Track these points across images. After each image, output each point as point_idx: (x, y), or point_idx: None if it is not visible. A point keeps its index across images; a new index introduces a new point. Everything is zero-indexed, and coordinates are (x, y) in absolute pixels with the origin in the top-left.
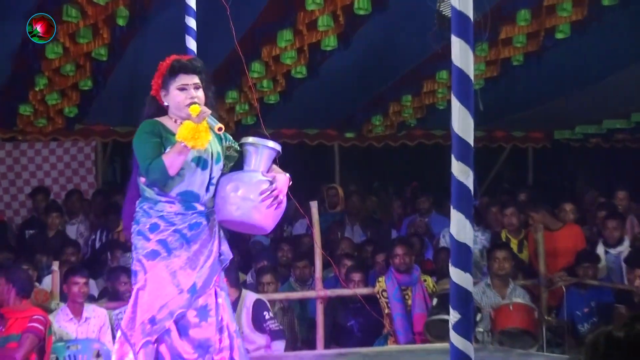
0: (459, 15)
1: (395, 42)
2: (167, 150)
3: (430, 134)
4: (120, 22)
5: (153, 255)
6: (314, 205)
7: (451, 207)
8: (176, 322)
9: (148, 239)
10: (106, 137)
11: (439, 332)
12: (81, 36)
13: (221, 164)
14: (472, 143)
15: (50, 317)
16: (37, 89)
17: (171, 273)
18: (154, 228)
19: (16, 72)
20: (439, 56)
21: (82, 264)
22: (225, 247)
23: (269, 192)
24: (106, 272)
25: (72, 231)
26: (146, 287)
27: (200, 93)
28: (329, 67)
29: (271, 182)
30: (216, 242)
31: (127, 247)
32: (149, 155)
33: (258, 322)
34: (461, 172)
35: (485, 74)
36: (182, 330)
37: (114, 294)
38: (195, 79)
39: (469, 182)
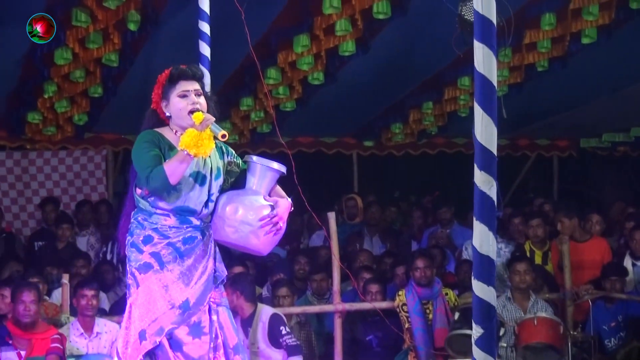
0: (481, 20)
1: (415, 47)
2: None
3: (452, 142)
4: (132, 26)
5: (145, 268)
6: (331, 216)
7: (474, 219)
8: (169, 338)
9: (141, 251)
10: (117, 145)
11: (460, 347)
12: (91, 41)
13: (221, 179)
14: (495, 152)
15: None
16: (45, 96)
17: (163, 287)
18: (147, 240)
19: (24, 78)
20: (461, 62)
21: (93, 276)
22: (221, 265)
23: (268, 219)
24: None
25: (82, 243)
26: (138, 301)
27: (202, 100)
28: (347, 73)
29: (272, 208)
30: (211, 259)
31: None
32: (149, 164)
33: (274, 337)
34: (484, 182)
35: (508, 80)
36: (176, 347)
37: (120, 305)
38: (196, 85)
39: (492, 192)
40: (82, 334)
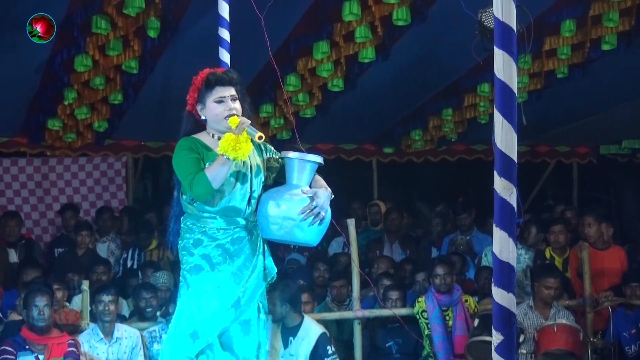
0: (502, 26)
1: (435, 53)
2: (208, 165)
3: (472, 149)
4: (152, 33)
5: (197, 269)
6: (351, 223)
7: (494, 225)
8: (219, 336)
9: (192, 254)
10: (137, 152)
11: (480, 354)
12: (111, 48)
13: (262, 176)
14: (515, 159)
15: (80, 338)
16: (66, 103)
17: (215, 288)
18: (197, 243)
19: (44, 85)
20: (481, 68)
21: (113, 283)
22: (270, 261)
23: (309, 211)
24: (132, 290)
25: (102, 249)
26: (189, 302)
27: (237, 104)
28: (366, 79)
29: (312, 199)
30: (260, 256)
31: (158, 266)
32: (190, 171)
33: (318, 356)
34: (504, 189)
35: (528, 86)
36: (226, 344)
37: (138, 312)
38: (232, 91)
39: (512, 199)
40: (101, 339)
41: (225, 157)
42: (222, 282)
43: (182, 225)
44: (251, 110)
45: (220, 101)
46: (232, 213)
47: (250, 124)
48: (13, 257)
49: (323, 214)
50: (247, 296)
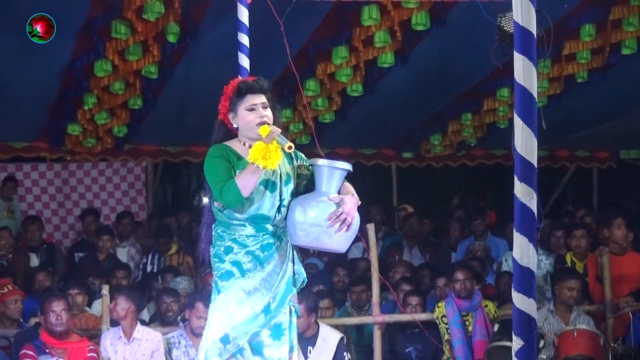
0: (521, 31)
1: (454, 58)
2: (238, 172)
3: (491, 153)
4: (171, 38)
5: (227, 276)
6: (370, 228)
7: (514, 231)
8: (249, 341)
9: (223, 261)
10: (156, 157)
11: (500, 359)
12: (131, 53)
13: (292, 184)
14: (535, 164)
15: (104, 335)
16: (85, 107)
17: (246, 293)
18: (227, 251)
19: (64, 90)
20: (500, 73)
21: (133, 287)
22: (299, 267)
23: (335, 217)
24: (154, 295)
25: (122, 254)
26: (220, 307)
27: (268, 112)
28: (385, 84)
29: (338, 205)
30: (290, 262)
31: (178, 271)
32: (221, 178)
33: None
34: (524, 194)
35: (548, 91)
36: (256, 349)
37: (159, 316)
38: (263, 99)
39: (533, 204)
40: (120, 337)
41: (255, 165)
42: (253, 287)
43: (213, 233)
44: (281, 122)
45: (251, 109)
46: (261, 220)
47: (280, 133)
48: (34, 261)
49: (349, 220)
50: (277, 301)
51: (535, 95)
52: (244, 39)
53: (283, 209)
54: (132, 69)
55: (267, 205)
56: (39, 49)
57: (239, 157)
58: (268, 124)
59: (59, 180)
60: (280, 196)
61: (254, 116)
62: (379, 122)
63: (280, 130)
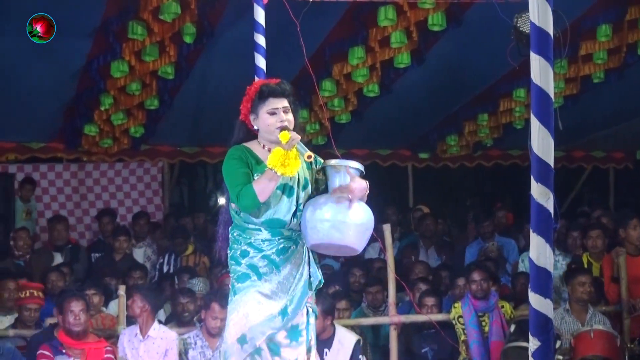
0: (538, 31)
1: (470, 58)
2: (256, 177)
3: (507, 154)
4: (187, 39)
5: (244, 278)
6: (387, 228)
7: (530, 231)
8: (267, 342)
9: (239, 264)
10: (173, 157)
11: (516, 359)
12: (147, 54)
13: (309, 189)
14: (552, 164)
15: (123, 332)
16: (102, 108)
17: (262, 295)
18: (244, 254)
19: (81, 91)
20: (517, 73)
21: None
22: (315, 269)
23: (340, 192)
24: (170, 296)
25: (139, 254)
26: (237, 308)
27: (290, 116)
28: (402, 85)
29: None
30: (306, 265)
31: (194, 272)
32: (239, 182)
33: None
34: (541, 195)
35: (564, 91)
36: (274, 350)
37: (175, 317)
38: (285, 103)
39: (549, 204)
40: (136, 334)
41: (273, 171)
42: (269, 290)
43: (230, 236)
44: (301, 126)
45: (272, 113)
46: (277, 225)
47: (300, 140)
48: (58, 261)
49: (350, 197)
50: (294, 304)
51: (552, 95)
52: (260, 40)
53: (299, 214)
54: (149, 70)
55: (283, 209)
56: (55, 50)
57: (258, 161)
58: (288, 129)
59: (76, 180)
60: (297, 201)
61: (274, 120)
62: (395, 123)
63: (299, 137)
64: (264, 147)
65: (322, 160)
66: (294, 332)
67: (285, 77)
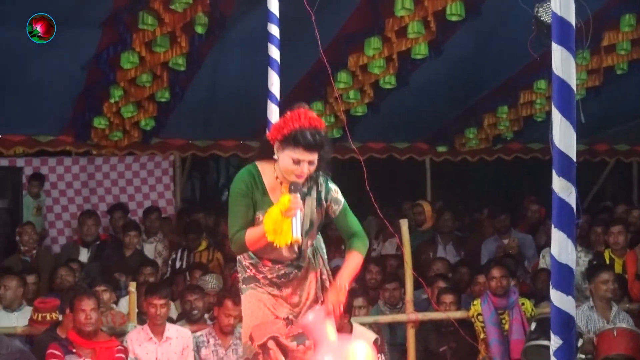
0: (560, 21)
1: (490, 49)
2: (258, 215)
3: (528, 147)
4: (199, 30)
5: (249, 281)
6: (404, 223)
7: (552, 226)
8: (275, 342)
9: (245, 271)
10: (184, 151)
11: (537, 358)
12: (158, 45)
13: (314, 230)
14: (574, 158)
15: (129, 336)
16: (112, 100)
17: (267, 300)
18: (247, 268)
19: (90, 83)
20: (538, 65)
21: (163, 283)
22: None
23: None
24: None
25: (149, 250)
26: (245, 307)
27: (312, 168)
28: (419, 76)
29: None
30: (313, 281)
31: (207, 269)
32: (235, 223)
33: None
34: (563, 189)
35: (586, 83)
36: (283, 352)
37: (185, 314)
38: (314, 156)
39: (571, 199)
40: (151, 338)
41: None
42: (272, 301)
43: None
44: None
45: (297, 161)
46: (276, 261)
47: (299, 212)
48: (84, 256)
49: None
50: (300, 315)
51: (574, 87)
52: (274, 30)
53: (303, 252)
54: (160, 61)
55: (283, 251)
56: (64, 41)
57: (264, 192)
58: (298, 189)
59: (85, 174)
60: (301, 242)
61: (294, 168)
62: (412, 115)
63: (300, 208)
64: (276, 178)
65: (333, 190)
66: (300, 337)
67: (300, 68)
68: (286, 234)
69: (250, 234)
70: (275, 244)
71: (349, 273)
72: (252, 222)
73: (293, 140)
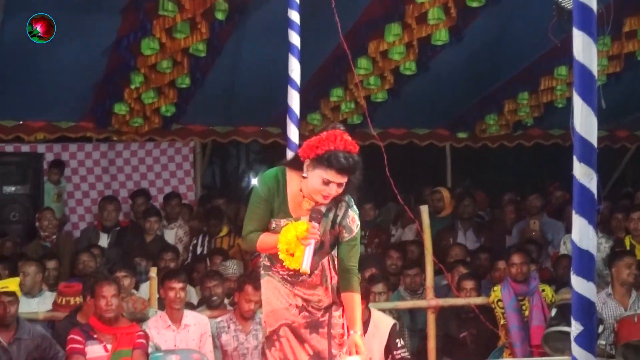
0: (581, 7)
1: (510, 35)
2: (273, 223)
3: (548, 134)
4: (219, 16)
5: (267, 268)
6: (424, 209)
7: (573, 212)
8: (289, 329)
9: (263, 258)
10: (205, 137)
11: (557, 344)
12: (178, 31)
13: (325, 249)
14: (595, 143)
15: (148, 323)
16: (132, 87)
17: (281, 287)
18: (263, 259)
19: (111, 69)
20: (558, 51)
21: (181, 268)
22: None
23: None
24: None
25: (170, 236)
26: (263, 294)
27: (339, 190)
28: (439, 62)
29: None
30: (329, 280)
31: (227, 255)
32: (251, 224)
33: (388, 349)
34: (584, 175)
35: (607, 69)
36: (298, 339)
37: (205, 300)
38: (344, 180)
39: (592, 185)
40: (169, 326)
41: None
42: (286, 290)
43: None
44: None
45: (327, 182)
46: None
47: (314, 244)
48: (104, 242)
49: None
50: (312, 306)
51: (595, 73)
52: (294, 16)
53: (311, 274)
54: (180, 47)
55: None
56: (84, 27)
57: (285, 201)
58: (315, 217)
59: (106, 160)
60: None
61: (322, 188)
62: (432, 102)
63: (317, 239)
64: (301, 190)
65: (349, 222)
66: (315, 325)
67: (320, 54)
68: (297, 260)
69: (263, 240)
70: (285, 264)
71: (359, 320)
72: (267, 225)
73: (327, 161)
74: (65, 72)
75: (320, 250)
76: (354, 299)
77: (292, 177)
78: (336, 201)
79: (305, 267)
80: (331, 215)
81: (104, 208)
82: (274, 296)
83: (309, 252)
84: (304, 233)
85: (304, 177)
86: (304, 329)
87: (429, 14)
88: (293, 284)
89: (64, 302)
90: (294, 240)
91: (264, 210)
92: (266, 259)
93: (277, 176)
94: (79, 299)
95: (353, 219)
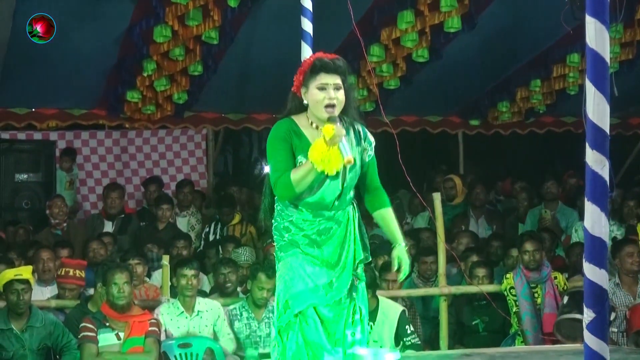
0: None
1: (523, 23)
2: (298, 159)
3: (561, 121)
4: (232, 3)
5: (286, 248)
6: (437, 197)
7: (585, 200)
8: (313, 312)
9: (282, 237)
10: (217, 124)
11: (570, 331)
12: (191, 18)
13: (357, 169)
14: (608, 130)
15: (160, 309)
16: (145, 74)
17: (306, 266)
18: (286, 230)
19: (123, 57)
20: (571, 38)
21: (194, 256)
22: (359, 248)
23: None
24: (212, 265)
25: (182, 224)
26: (282, 276)
27: (340, 94)
28: (452, 50)
29: None
30: (352, 243)
31: (239, 242)
32: (278, 168)
33: (398, 337)
34: (596, 162)
35: (620, 56)
36: (317, 319)
37: (218, 287)
38: (337, 80)
39: (605, 172)
40: (182, 312)
41: (312, 165)
42: (312, 265)
43: (275, 206)
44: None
45: (322, 88)
46: (319, 207)
47: (344, 137)
48: (108, 229)
49: None
50: (338, 281)
51: (607, 60)
52: (307, 3)
53: (344, 195)
54: (192, 35)
55: (327, 192)
56: (97, 15)
57: (302, 138)
58: (336, 120)
59: (118, 148)
60: (343, 183)
61: (323, 95)
62: (445, 89)
63: (344, 134)
64: (312, 123)
65: (372, 140)
66: (336, 307)
67: (332, 42)
68: (335, 160)
69: (296, 171)
70: (325, 173)
71: (399, 232)
72: (294, 166)
73: (312, 69)
74: (77, 60)
75: (353, 168)
76: (390, 213)
77: (299, 118)
78: (349, 122)
79: (348, 155)
80: (352, 134)
81: (107, 196)
82: (298, 277)
83: (343, 146)
84: (331, 133)
85: (306, 109)
86: (327, 311)
87: (441, 1)
88: (321, 244)
89: (63, 272)
90: (324, 147)
91: (286, 151)
92: (290, 227)
93: (286, 121)
94: (79, 272)
95: (370, 135)
